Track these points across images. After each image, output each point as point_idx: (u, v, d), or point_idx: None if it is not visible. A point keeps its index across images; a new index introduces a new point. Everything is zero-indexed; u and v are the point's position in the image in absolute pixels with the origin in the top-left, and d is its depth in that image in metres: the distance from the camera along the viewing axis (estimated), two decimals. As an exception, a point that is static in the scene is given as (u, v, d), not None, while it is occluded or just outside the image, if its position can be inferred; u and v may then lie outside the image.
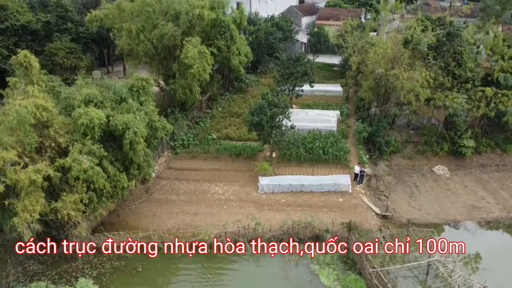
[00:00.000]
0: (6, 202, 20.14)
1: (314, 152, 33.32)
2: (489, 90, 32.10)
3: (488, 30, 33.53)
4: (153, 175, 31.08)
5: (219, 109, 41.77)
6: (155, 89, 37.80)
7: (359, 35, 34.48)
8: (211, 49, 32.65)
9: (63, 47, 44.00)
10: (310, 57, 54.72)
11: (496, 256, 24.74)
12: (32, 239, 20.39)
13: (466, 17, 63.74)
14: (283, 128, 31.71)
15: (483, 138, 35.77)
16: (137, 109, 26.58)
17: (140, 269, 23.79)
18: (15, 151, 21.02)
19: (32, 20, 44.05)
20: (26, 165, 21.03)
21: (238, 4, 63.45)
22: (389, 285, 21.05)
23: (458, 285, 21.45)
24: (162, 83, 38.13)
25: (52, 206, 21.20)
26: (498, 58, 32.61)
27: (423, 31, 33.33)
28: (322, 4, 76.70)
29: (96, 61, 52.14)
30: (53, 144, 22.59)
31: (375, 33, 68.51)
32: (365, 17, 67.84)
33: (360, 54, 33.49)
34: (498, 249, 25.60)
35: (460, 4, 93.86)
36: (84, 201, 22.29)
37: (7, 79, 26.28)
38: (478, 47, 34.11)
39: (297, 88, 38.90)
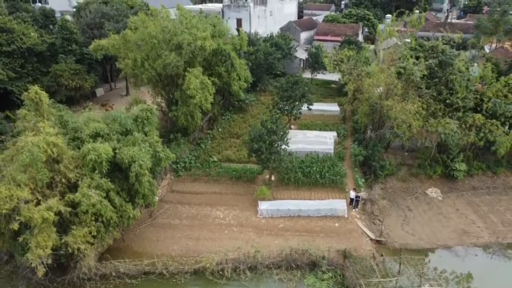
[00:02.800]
0: (20, 239, 21.38)
1: (311, 176, 34.55)
2: (479, 117, 33.38)
3: (475, 64, 34.72)
4: (157, 199, 32.30)
5: (220, 129, 43.03)
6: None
7: (355, 64, 35.68)
8: (212, 78, 33.89)
9: (68, 68, 45.37)
10: (309, 73, 56.23)
11: (484, 281, 26.02)
12: (42, 273, 21.60)
13: (462, 32, 65.08)
14: (282, 154, 32.95)
15: (475, 161, 37.02)
16: (142, 140, 27.86)
17: (145, 297, 25.07)
18: (28, 188, 22.28)
19: (38, 42, 45.43)
20: (38, 202, 22.29)
21: (238, 20, 65.06)
22: (381, 314, 22.32)
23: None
24: (164, 106, 39.36)
25: (63, 240, 22.42)
26: (488, 90, 33.78)
27: (416, 59, 34.60)
28: (320, 18, 78.07)
29: (100, 80, 53.49)
30: (63, 180, 23.84)
31: (372, 46, 70.11)
32: (362, 32, 69.20)
33: (356, 82, 34.77)
34: (486, 275, 26.85)
35: (455, 17, 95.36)
36: (92, 233, 23.56)
37: (18, 111, 27.54)
38: (467, 68, 35.21)
39: (295, 111, 40.15)
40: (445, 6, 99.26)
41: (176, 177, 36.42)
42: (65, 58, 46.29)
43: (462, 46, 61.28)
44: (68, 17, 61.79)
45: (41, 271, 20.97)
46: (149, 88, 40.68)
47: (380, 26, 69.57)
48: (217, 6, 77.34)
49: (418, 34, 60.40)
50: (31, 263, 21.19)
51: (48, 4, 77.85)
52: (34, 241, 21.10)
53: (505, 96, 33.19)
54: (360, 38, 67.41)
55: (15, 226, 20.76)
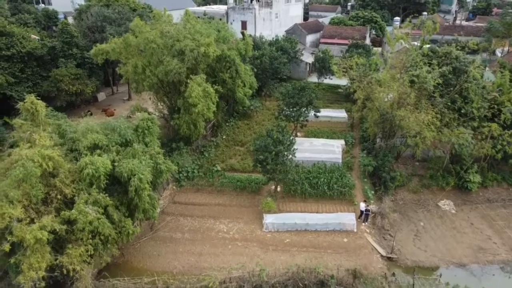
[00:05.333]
0: (12, 260, 20.21)
1: (319, 187, 33.23)
2: (495, 127, 31.89)
3: (486, 68, 33.07)
4: (158, 212, 31.08)
5: (224, 137, 41.79)
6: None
7: (364, 72, 34.26)
8: (216, 86, 32.61)
9: (69, 73, 44.36)
10: (315, 76, 54.82)
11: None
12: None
13: (470, 35, 63.57)
14: (288, 165, 31.64)
15: (489, 172, 35.52)
16: (142, 152, 26.64)
17: (145, 318, 23.84)
18: (22, 205, 21.10)
19: (38, 46, 44.39)
20: (32, 220, 21.10)
21: (243, 23, 63.77)
22: None
23: None
24: (166, 114, 38.16)
25: (58, 260, 21.22)
26: (505, 99, 32.24)
27: (429, 65, 33.17)
28: (326, 20, 76.64)
29: (101, 84, 52.44)
30: (59, 196, 22.63)
31: (379, 49, 68.50)
32: (369, 35, 67.66)
33: (366, 90, 33.35)
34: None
35: (463, 19, 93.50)
36: (89, 252, 22.35)
37: (13, 120, 26.37)
38: (482, 76, 33.73)
39: (301, 118, 38.78)
40: (454, 7, 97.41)
41: (179, 187, 35.21)
42: (66, 62, 45.22)
43: (473, 49, 59.76)
44: (70, 20, 60.99)
45: (33, 294, 19.77)
46: (151, 94, 39.55)
47: (388, 29, 68.14)
48: (222, 8, 76.12)
49: (425, 37, 59.00)
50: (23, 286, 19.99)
51: (51, 5, 77.17)
52: (27, 262, 19.89)
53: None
54: (368, 41, 65.88)
55: (6, 247, 19.57)
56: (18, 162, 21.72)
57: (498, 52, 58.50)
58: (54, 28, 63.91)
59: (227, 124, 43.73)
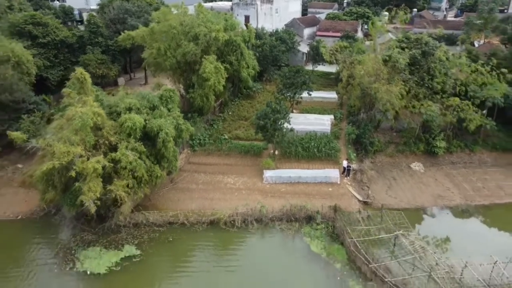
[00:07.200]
0: (76, 186, 27.03)
1: (310, 150, 39.93)
2: (455, 100, 38.53)
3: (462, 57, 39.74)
4: (178, 164, 37.74)
5: (230, 113, 48.54)
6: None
7: (348, 54, 40.94)
8: (224, 64, 39.37)
9: (95, 58, 51.13)
10: (310, 65, 61.53)
11: (448, 231, 31.34)
12: (93, 210, 27.25)
13: (453, 29, 70.23)
14: (284, 130, 38.35)
15: (454, 140, 42.11)
16: (166, 115, 33.40)
17: (170, 239, 30.56)
18: (80, 147, 27.90)
19: (69, 35, 51.21)
20: (88, 158, 27.90)
21: (246, 17, 70.51)
22: (362, 251, 27.60)
23: (417, 252, 27.94)
24: (182, 91, 44.92)
25: (108, 188, 28.00)
26: (460, 76, 38.91)
27: (402, 49, 39.85)
28: (323, 16, 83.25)
29: (121, 69, 59.26)
30: (106, 142, 29.43)
31: (371, 42, 75.09)
32: (361, 29, 74.26)
33: (349, 69, 40.02)
34: (451, 227, 32.14)
35: (453, 16, 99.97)
36: (129, 186, 29.13)
37: (63, 90, 33.03)
38: (447, 58, 40.37)
39: (297, 96, 45.48)
40: (444, 5, 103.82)
41: (193, 151, 41.93)
42: (92, 49, 52.04)
43: (453, 41, 66.44)
44: (85, 16, 67.57)
45: (92, 209, 26.63)
46: (166, 77, 46.24)
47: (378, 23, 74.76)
48: (227, 4, 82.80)
49: (414, 31, 65.53)
50: (77, 210, 26.83)
51: (65, 2, 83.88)
52: (87, 187, 26.66)
53: (475, 80, 38.35)
54: (360, 34, 72.43)
55: (73, 173, 26.34)
56: (75, 116, 28.48)
57: (476, 43, 65.05)
58: (69, 24, 70.60)
59: (233, 103, 50.48)
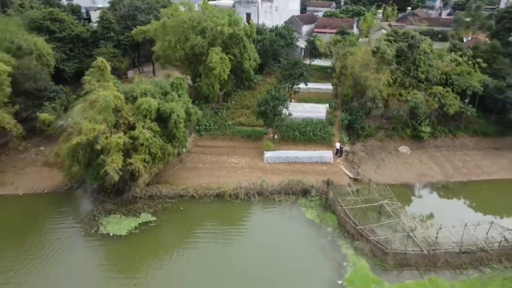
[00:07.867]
0: (100, 158, 30.98)
1: (306, 134, 43.86)
2: (438, 88, 42.46)
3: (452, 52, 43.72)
4: (187, 145, 41.64)
5: (233, 102, 52.47)
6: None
7: (342, 46, 44.89)
8: (229, 56, 43.32)
9: (108, 52, 54.98)
10: (308, 60, 65.49)
11: (428, 202, 35.32)
12: (116, 178, 31.16)
13: (444, 26, 74.20)
14: (283, 115, 42.27)
15: (439, 125, 46.03)
16: (177, 99, 37.32)
17: (182, 209, 34.50)
18: (104, 125, 31.83)
19: (83, 30, 55.12)
20: (110, 135, 31.83)
21: (247, 15, 74.50)
22: (351, 216, 31.52)
23: (398, 217, 31.85)
24: (190, 81, 48.85)
25: (128, 161, 31.94)
26: (441, 66, 42.90)
27: (390, 42, 43.79)
28: (321, 14, 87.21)
29: (131, 63, 63.18)
30: (125, 122, 33.38)
31: (366, 39, 79.02)
32: (357, 26, 78.20)
33: (342, 61, 43.95)
34: (431, 199, 36.14)
35: (446, 14, 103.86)
36: (146, 160, 33.07)
37: (84, 77, 36.90)
38: (431, 51, 44.28)
39: (295, 86, 49.41)
40: (437, 3, 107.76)
41: (199, 136, 45.85)
42: (105, 44, 55.93)
43: (445, 37, 70.37)
44: (92, 14, 71.16)
45: (116, 177, 30.56)
46: (174, 69, 50.16)
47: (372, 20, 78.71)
48: (229, 2, 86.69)
49: (407, 28, 69.45)
50: (98, 183, 30.85)
51: (73, 0, 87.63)
52: (110, 159, 30.61)
53: (454, 69, 42.35)
54: (356, 31, 76.34)
55: (98, 147, 30.31)
56: (98, 98, 32.38)
57: (465, 39, 68.97)
58: (77, 21, 74.25)
59: (236, 93, 54.43)
